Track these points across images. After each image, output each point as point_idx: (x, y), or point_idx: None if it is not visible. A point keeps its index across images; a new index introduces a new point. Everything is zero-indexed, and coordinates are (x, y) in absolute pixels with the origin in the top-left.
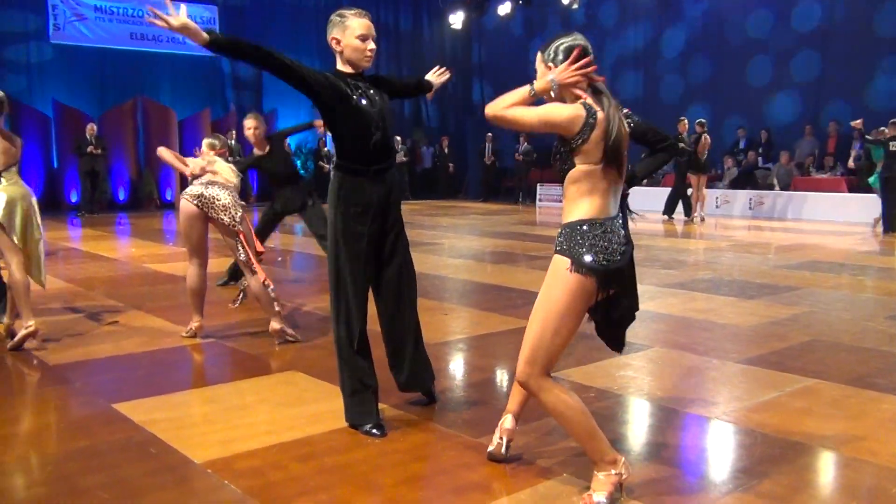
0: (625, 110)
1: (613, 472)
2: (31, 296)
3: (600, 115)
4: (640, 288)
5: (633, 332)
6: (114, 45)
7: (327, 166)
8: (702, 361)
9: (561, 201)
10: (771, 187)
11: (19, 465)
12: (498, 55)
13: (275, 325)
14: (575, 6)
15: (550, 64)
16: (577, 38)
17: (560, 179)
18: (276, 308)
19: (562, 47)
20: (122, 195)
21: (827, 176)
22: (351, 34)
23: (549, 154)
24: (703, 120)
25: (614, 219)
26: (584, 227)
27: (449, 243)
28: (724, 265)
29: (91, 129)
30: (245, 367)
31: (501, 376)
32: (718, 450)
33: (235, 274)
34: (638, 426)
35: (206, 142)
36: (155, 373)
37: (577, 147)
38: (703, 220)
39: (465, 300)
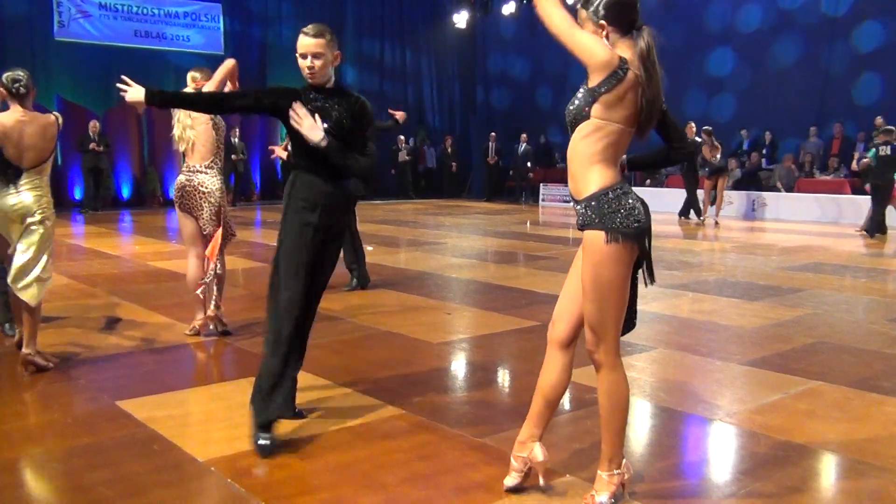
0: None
1: (616, 471)
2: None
3: (631, 74)
4: (642, 288)
5: (637, 334)
6: (118, 42)
7: None
8: (705, 363)
9: (565, 202)
10: (774, 189)
11: (23, 461)
12: (502, 54)
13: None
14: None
15: (602, 21)
16: None
17: (570, 130)
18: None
19: (610, 1)
20: (125, 192)
21: (830, 178)
22: (298, 51)
23: (548, 155)
24: (709, 128)
25: (625, 181)
26: (610, 195)
27: (452, 243)
28: (728, 266)
29: (94, 126)
30: (248, 364)
31: (505, 376)
32: (721, 452)
33: None
34: (641, 427)
35: (190, 74)
36: (158, 370)
37: (598, 96)
38: (717, 223)
39: (468, 300)
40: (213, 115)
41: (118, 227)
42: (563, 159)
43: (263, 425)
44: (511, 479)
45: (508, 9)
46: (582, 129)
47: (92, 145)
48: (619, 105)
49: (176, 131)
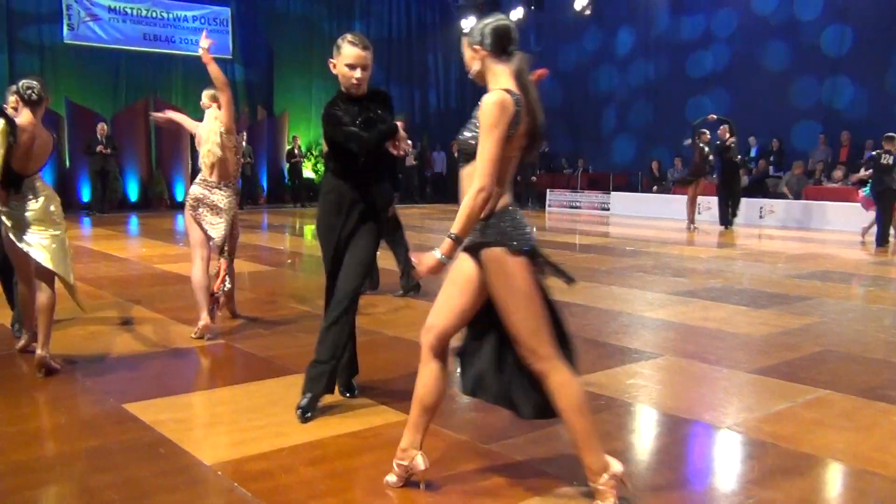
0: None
1: (606, 475)
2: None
3: (522, 100)
4: (649, 295)
5: (644, 340)
6: (127, 45)
7: None
8: (712, 370)
9: (572, 207)
10: (782, 196)
11: (29, 463)
12: None
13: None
14: (588, 12)
15: (477, 46)
16: (501, 19)
17: (459, 156)
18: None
19: (488, 29)
20: (133, 195)
21: (839, 185)
22: (342, 61)
23: (552, 157)
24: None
25: (515, 203)
26: (507, 216)
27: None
28: (735, 274)
29: (101, 128)
30: (255, 369)
31: None
32: (728, 460)
33: None
34: (647, 435)
35: (207, 93)
36: (165, 373)
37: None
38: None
39: None
40: (238, 142)
41: (125, 229)
42: (570, 164)
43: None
44: (392, 479)
45: (516, 14)
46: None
47: (99, 148)
48: (514, 137)
49: (204, 148)
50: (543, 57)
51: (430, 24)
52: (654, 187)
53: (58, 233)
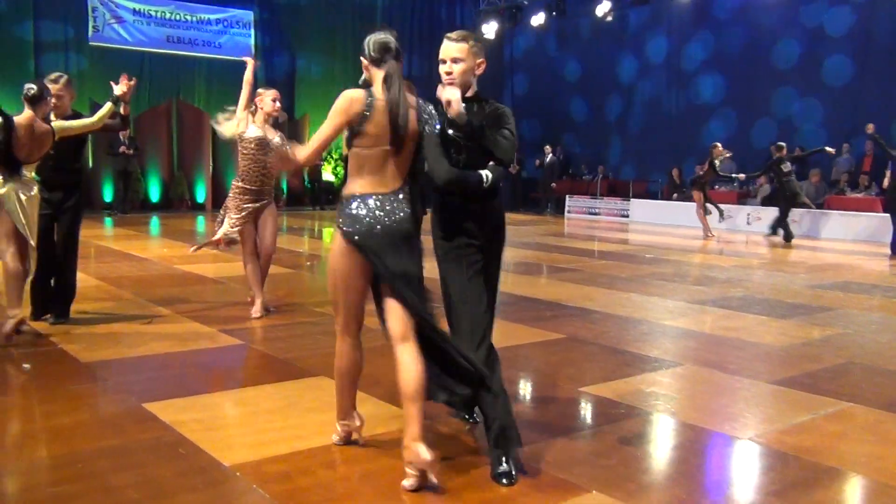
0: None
1: (343, 422)
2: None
3: (379, 102)
4: (669, 303)
5: (664, 349)
6: (151, 47)
7: None
8: (732, 380)
9: (591, 214)
10: (803, 205)
11: (50, 461)
12: (530, 66)
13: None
14: (609, 18)
15: (363, 58)
16: (382, 34)
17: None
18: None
19: (370, 42)
20: (154, 195)
21: (862, 195)
22: (440, 56)
23: (573, 165)
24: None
25: (370, 195)
26: (347, 203)
27: None
28: (755, 283)
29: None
30: (274, 370)
31: (529, 389)
32: (749, 472)
33: None
34: (666, 445)
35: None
36: (185, 374)
37: (353, 134)
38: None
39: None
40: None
41: (146, 229)
42: (589, 171)
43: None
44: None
45: (538, 20)
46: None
47: (122, 149)
48: (363, 133)
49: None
50: (564, 63)
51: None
52: (675, 195)
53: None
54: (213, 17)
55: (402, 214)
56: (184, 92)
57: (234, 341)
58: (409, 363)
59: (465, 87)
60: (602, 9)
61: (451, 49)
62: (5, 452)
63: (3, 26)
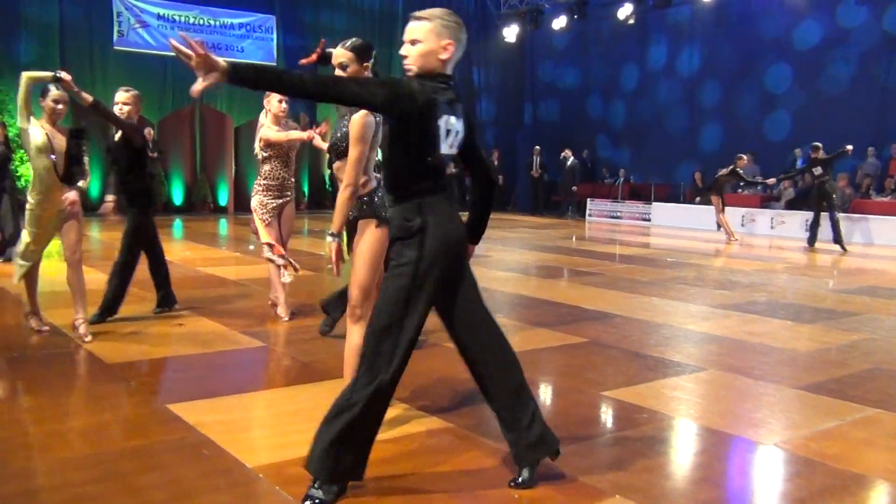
0: None
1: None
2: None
3: None
4: (692, 308)
5: (687, 353)
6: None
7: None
8: (757, 386)
9: (613, 217)
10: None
11: (77, 461)
12: (551, 68)
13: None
14: (631, 21)
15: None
16: (355, 41)
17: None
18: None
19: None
20: (177, 198)
21: (888, 199)
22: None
23: (595, 168)
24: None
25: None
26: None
27: (497, 256)
28: (779, 288)
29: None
30: (297, 373)
31: (551, 393)
32: (774, 478)
33: None
34: (690, 450)
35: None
36: (208, 375)
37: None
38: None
39: (514, 314)
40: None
41: (170, 232)
42: (611, 174)
43: None
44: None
45: (559, 23)
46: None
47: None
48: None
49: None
50: (586, 65)
51: (472, 35)
52: (697, 198)
53: None
54: (235, 21)
55: None
56: (206, 96)
57: (256, 343)
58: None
59: (426, 71)
60: (624, 11)
61: (410, 28)
62: (33, 452)
63: (30, 32)
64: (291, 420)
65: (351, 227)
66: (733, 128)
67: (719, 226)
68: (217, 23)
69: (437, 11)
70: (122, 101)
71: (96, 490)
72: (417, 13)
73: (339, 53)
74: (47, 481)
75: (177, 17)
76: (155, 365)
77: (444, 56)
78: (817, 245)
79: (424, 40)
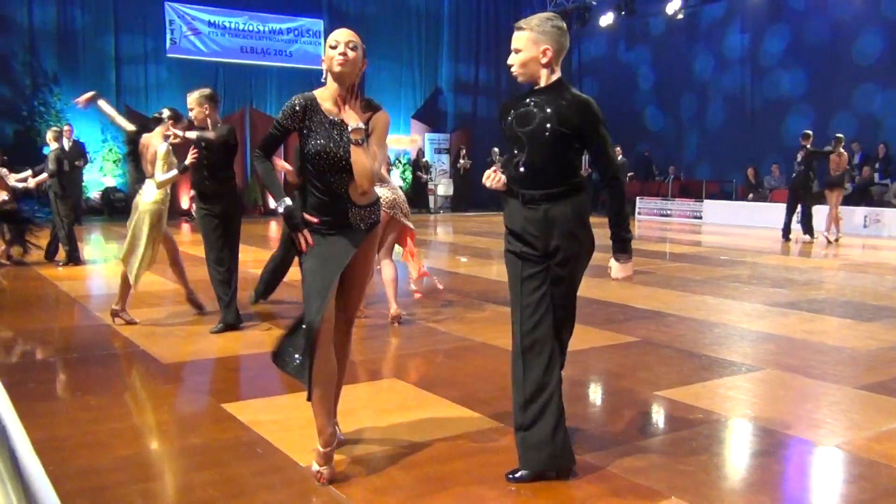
0: None
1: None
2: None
3: None
4: (747, 306)
5: (743, 353)
6: (225, 57)
7: (425, 176)
8: (816, 385)
9: (663, 215)
10: (889, 204)
11: (134, 458)
12: (598, 66)
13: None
14: (680, 16)
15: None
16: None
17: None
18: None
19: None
20: None
21: None
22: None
23: (645, 167)
24: (840, 135)
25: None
26: None
27: None
28: (838, 285)
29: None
30: (348, 373)
31: (602, 392)
32: (836, 480)
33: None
34: (747, 451)
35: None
36: (260, 375)
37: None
38: (837, 239)
39: None
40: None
41: None
42: (661, 172)
43: None
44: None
45: (606, 20)
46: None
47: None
48: None
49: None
50: (633, 65)
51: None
52: (750, 195)
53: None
54: (283, 26)
55: None
56: (256, 100)
57: None
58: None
59: (532, 78)
60: (673, 6)
61: (513, 38)
62: (92, 450)
63: (86, 41)
64: (343, 419)
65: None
66: (789, 124)
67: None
68: (266, 28)
69: (534, 20)
70: (189, 106)
71: (155, 487)
72: (518, 23)
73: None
74: (108, 479)
75: (227, 24)
76: (209, 365)
77: (543, 61)
78: (870, 242)
79: (524, 49)
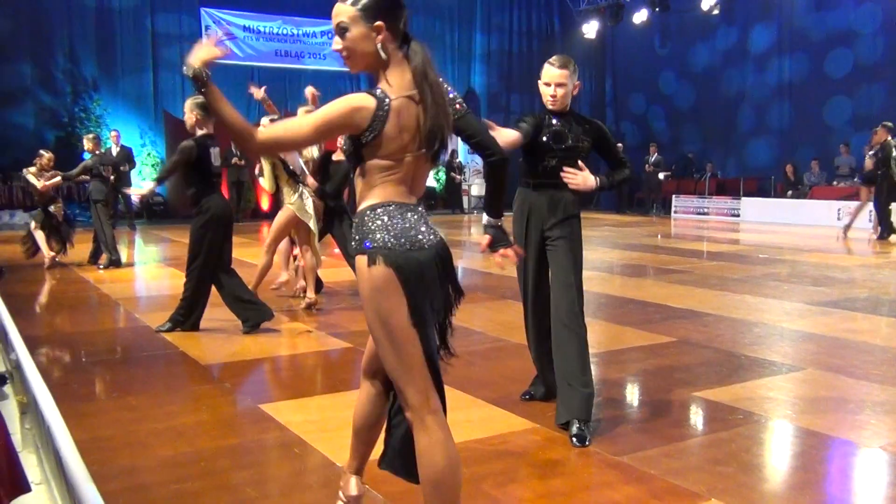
0: None
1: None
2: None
3: (395, 103)
4: (787, 305)
5: (782, 352)
6: (260, 61)
7: (459, 177)
8: (859, 386)
9: (700, 213)
10: None
11: (174, 459)
12: (632, 63)
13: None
14: (715, 11)
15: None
16: None
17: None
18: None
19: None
20: (265, 204)
21: None
22: (542, 79)
23: (683, 165)
24: (890, 123)
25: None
26: (375, 211)
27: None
28: (881, 283)
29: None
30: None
31: (639, 393)
32: (880, 483)
33: None
34: (789, 453)
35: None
36: (296, 376)
37: (364, 143)
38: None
39: (600, 313)
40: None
41: (258, 237)
42: (699, 170)
43: None
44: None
45: (640, 17)
46: (359, 169)
47: (234, 160)
48: (393, 140)
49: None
50: (668, 61)
51: (552, 32)
52: (789, 192)
53: None
54: (317, 29)
55: None
56: (291, 103)
57: (344, 344)
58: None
59: (565, 107)
60: (708, 2)
61: (556, 75)
62: (133, 450)
63: (125, 48)
64: None
65: None
66: (830, 120)
67: (848, 226)
68: (300, 31)
69: (566, 60)
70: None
71: (194, 486)
72: (556, 61)
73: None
74: (149, 478)
75: (261, 28)
76: (247, 366)
77: (574, 93)
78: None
79: (567, 84)
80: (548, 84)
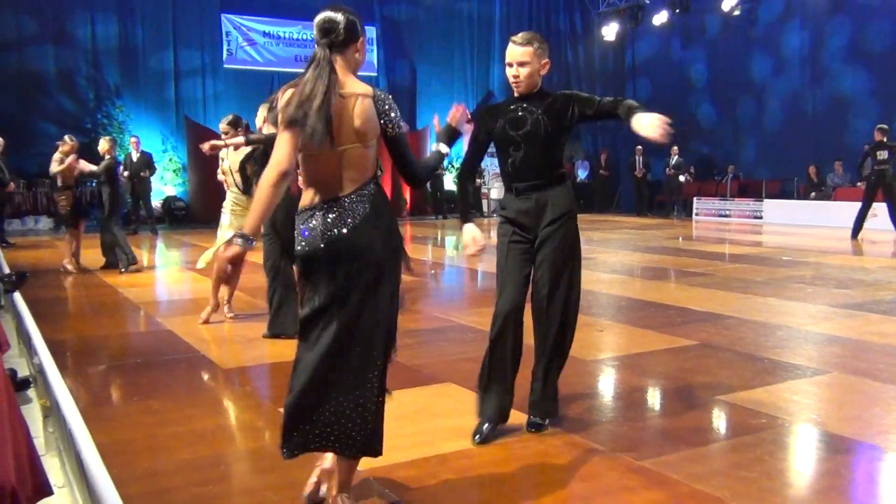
0: None
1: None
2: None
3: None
4: (811, 308)
5: (806, 355)
6: (280, 67)
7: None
8: (885, 389)
9: (722, 216)
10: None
11: (195, 462)
12: (653, 65)
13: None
14: (737, 12)
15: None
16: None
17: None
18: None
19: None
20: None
21: None
22: (506, 60)
23: (705, 166)
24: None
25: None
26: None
27: (601, 258)
28: None
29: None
30: (402, 377)
31: (661, 397)
32: None
33: None
34: (813, 457)
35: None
36: None
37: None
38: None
39: (620, 316)
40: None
41: None
42: (720, 172)
43: None
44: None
45: (660, 19)
46: None
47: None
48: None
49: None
50: (687, 63)
51: (572, 33)
52: (812, 193)
53: None
54: None
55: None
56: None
57: None
58: None
59: (532, 88)
60: (728, 3)
61: (517, 53)
62: (155, 454)
63: (146, 54)
64: (399, 423)
65: None
66: (850, 122)
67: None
68: None
69: (530, 36)
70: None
71: (216, 490)
72: (518, 38)
73: None
74: (171, 482)
75: (281, 34)
76: (267, 370)
77: (543, 73)
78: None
79: (531, 63)
80: (510, 64)
